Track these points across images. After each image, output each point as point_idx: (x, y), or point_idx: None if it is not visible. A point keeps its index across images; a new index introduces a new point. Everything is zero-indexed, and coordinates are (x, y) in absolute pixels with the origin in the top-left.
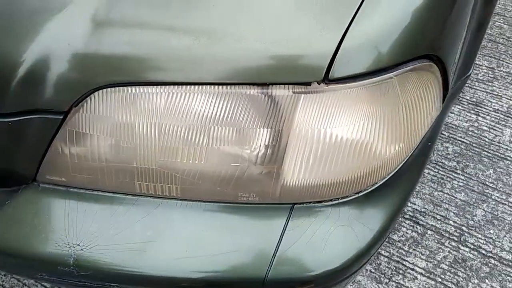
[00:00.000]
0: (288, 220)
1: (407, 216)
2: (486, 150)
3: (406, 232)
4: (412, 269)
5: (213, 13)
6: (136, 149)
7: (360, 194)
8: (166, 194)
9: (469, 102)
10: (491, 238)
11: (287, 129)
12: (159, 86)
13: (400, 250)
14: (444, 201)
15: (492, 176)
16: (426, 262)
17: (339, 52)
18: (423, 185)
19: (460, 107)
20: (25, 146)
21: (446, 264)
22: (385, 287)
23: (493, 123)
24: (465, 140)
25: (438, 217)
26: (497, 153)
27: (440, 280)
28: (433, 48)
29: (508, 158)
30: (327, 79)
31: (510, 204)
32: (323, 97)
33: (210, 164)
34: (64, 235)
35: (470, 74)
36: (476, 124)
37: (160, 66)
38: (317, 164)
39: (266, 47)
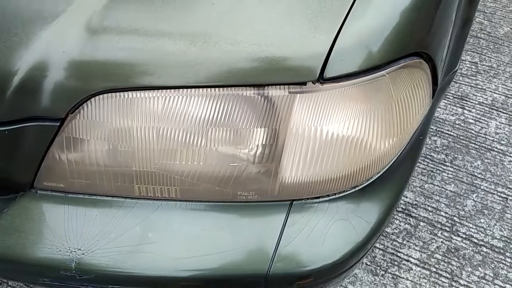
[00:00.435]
0: (288, 217)
1: (400, 209)
2: (473, 142)
3: (399, 225)
4: (407, 260)
5: (208, 17)
6: (134, 153)
7: (356, 189)
8: (165, 195)
9: (455, 96)
10: (482, 227)
11: (283, 128)
12: (155, 91)
13: (394, 243)
14: (435, 193)
15: (480, 167)
16: (420, 253)
17: (332, 52)
18: (413, 178)
19: (446, 101)
20: (22, 154)
21: (439, 254)
22: (381, 279)
23: (478, 116)
24: (452, 133)
25: (429, 208)
26: (484, 145)
27: (434, 270)
28: (422, 45)
29: (495, 149)
30: (321, 79)
31: (499, 193)
32: (318, 96)
33: (209, 164)
34: (64, 240)
35: (457, 69)
36: (462, 117)
37: (156, 70)
38: (314, 161)
39: (261, 49)
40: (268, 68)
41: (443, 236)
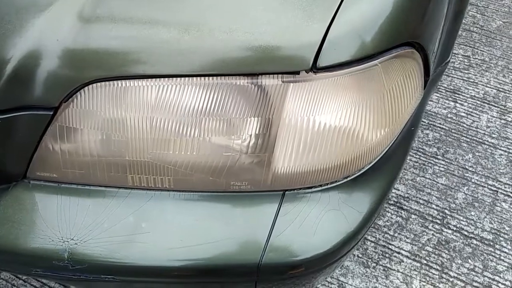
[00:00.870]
0: (280, 207)
1: (392, 202)
2: (465, 135)
3: (391, 217)
4: (398, 253)
5: (202, 6)
6: (127, 143)
7: (348, 179)
8: (158, 186)
9: (447, 89)
10: (473, 219)
11: (276, 118)
12: (148, 80)
13: (385, 235)
14: (426, 186)
15: (471, 160)
16: (411, 245)
17: (325, 41)
18: (405, 171)
19: (438, 94)
20: (14, 143)
21: (430, 246)
22: (372, 271)
23: (470, 109)
24: (444, 127)
25: (421, 201)
26: (475, 138)
27: (425, 262)
28: (414, 35)
29: (486, 142)
30: (315, 68)
31: (489, 186)
32: (311, 85)
33: (202, 154)
34: (57, 230)
35: (449, 61)
36: (454, 111)
37: (149, 59)
38: (306, 151)
39: (255, 37)
40: (261, 57)
41: (434, 229)
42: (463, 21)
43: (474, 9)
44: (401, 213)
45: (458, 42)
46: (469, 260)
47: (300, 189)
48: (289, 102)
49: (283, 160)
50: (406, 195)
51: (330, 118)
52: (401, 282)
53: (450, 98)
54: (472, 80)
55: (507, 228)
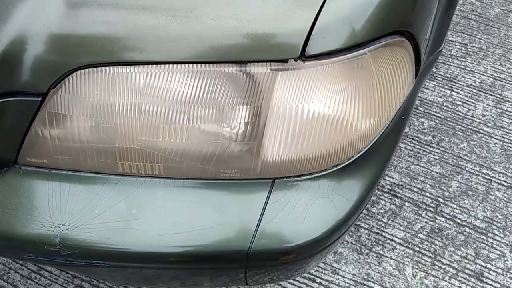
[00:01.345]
0: (270, 194)
1: (386, 190)
2: (460, 124)
3: (385, 205)
4: (391, 240)
5: None
6: (116, 129)
7: (338, 167)
8: (148, 172)
9: (443, 77)
10: (466, 208)
11: (265, 106)
12: (137, 66)
13: (379, 222)
14: (420, 174)
15: (466, 148)
16: (404, 233)
17: (314, 29)
18: (400, 159)
19: (434, 82)
20: (4, 129)
21: (423, 234)
22: (365, 257)
23: (466, 98)
24: (439, 115)
25: (415, 189)
26: (470, 127)
27: (418, 249)
28: (405, 24)
29: (481, 131)
30: (303, 56)
31: (483, 175)
32: (300, 73)
33: (192, 142)
34: (48, 216)
35: (442, 49)
36: (450, 99)
37: (137, 45)
38: (295, 139)
39: (243, 25)
40: (249, 44)
41: (427, 217)
42: (461, 8)
43: None
44: (395, 200)
45: (456, 29)
46: (462, 248)
47: (290, 177)
48: (278, 90)
49: (273, 148)
50: (400, 183)
51: (319, 107)
52: (393, 269)
53: (446, 86)
54: (469, 69)
55: (500, 217)
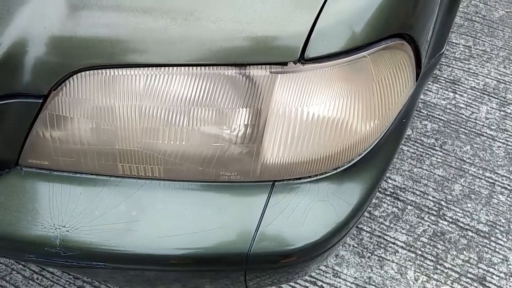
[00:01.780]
0: (269, 197)
1: (388, 192)
2: (463, 127)
3: (387, 208)
4: (393, 243)
5: None
6: (117, 131)
7: (338, 170)
8: (149, 174)
9: (447, 80)
10: (469, 211)
11: (265, 109)
12: (137, 68)
13: (381, 225)
14: (423, 177)
15: (469, 152)
16: (407, 236)
17: (313, 32)
18: (402, 162)
19: (438, 85)
20: (6, 131)
21: (425, 238)
22: (367, 261)
23: (470, 101)
24: (443, 118)
25: (417, 192)
26: (473, 130)
27: (420, 253)
28: (405, 27)
29: (485, 134)
30: (303, 59)
31: (486, 178)
32: (299, 76)
33: (192, 144)
34: (49, 217)
35: (443, 52)
36: (453, 102)
37: (138, 48)
38: (295, 142)
39: (243, 28)
40: (249, 47)
41: (429, 220)
42: (465, 10)
43: None
44: (397, 203)
45: (460, 32)
46: (464, 252)
47: (290, 179)
48: (278, 93)
49: (272, 150)
50: (403, 186)
51: (318, 109)
52: (395, 272)
53: (449, 89)
54: (472, 71)
55: (503, 221)
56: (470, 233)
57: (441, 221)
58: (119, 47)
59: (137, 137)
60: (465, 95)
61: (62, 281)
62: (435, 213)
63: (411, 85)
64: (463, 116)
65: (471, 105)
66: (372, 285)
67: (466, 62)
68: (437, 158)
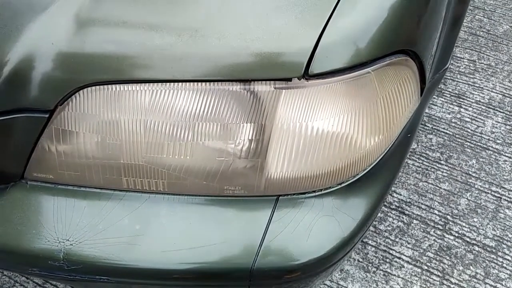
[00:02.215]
0: (273, 212)
1: (393, 207)
2: (469, 140)
3: (392, 222)
4: (399, 258)
5: (196, 11)
6: (122, 146)
7: (342, 185)
8: (153, 189)
9: (452, 94)
10: (475, 226)
11: (269, 124)
12: (143, 84)
13: (386, 240)
14: (428, 191)
15: (475, 166)
16: (412, 251)
17: (318, 49)
18: (408, 176)
19: (442, 99)
20: (12, 145)
21: (431, 252)
22: (372, 275)
23: (475, 115)
24: (448, 132)
25: (423, 206)
26: (479, 144)
27: (426, 267)
28: (409, 43)
29: (490, 148)
30: (307, 75)
31: (492, 192)
32: (304, 92)
33: (196, 159)
34: (53, 231)
35: (448, 67)
36: (458, 116)
37: (144, 64)
38: (299, 157)
39: (247, 44)
40: (254, 63)
41: (435, 235)
42: (469, 25)
43: (481, 13)
44: (402, 218)
45: (464, 46)
46: (471, 267)
47: (294, 194)
48: (282, 108)
49: (276, 165)
50: (408, 200)
51: (323, 125)
52: (401, 287)
53: (454, 103)
54: (477, 85)
55: (510, 236)
56: (477, 248)
57: (447, 236)
58: (125, 63)
59: (141, 151)
60: (470, 109)
61: None
62: (441, 227)
63: (415, 100)
64: (469, 130)
65: (477, 119)
66: None
67: (471, 76)
68: (442, 172)
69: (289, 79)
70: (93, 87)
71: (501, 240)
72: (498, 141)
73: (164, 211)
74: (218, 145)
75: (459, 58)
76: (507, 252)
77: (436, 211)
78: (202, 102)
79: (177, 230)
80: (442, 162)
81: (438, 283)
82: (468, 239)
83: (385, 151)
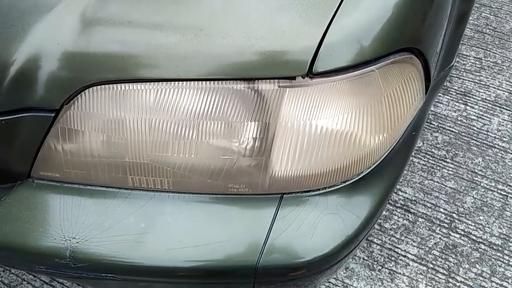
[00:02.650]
0: (278, 210)
1: (399, 205)
2: (475, 138)
3: (398, 220)
4: (404, 256)
5: (200, 10)
6: (127, 144)
7: (347, 183)
8: (158, 187)
9: (458, 92)
10: (481, 224)
11: (274, 122)
12: (148, 83)
13: (392, 238)
14: (434, 189)
15: (481, 164)
16: (418, 249)
17: (322, 47)
18: (413, 174)
19: (448, 97)
20: (18, 144)
21: (437, 250)
22: (378, 274)
23: (481, 112)
24: (454, 130)
25: (428, 205)
26: (485, 142)
27: (431, 266)
28: (413, 41)
29: (496, 146)
30: (311, 73)
31: (499, 191)
32: (308, 90)
33: (200, 157)
34: (60, 229)
35: (453, 65)
36: (464, 114)
37: (149, 63)
38: (304, 155)
39: (252, 43)
40: (258, 61)
41: (441, 233)
42: (476, 22)
43: (487, 11)
44: (408, 216)
45: (470, 44)
46: (477, 265)
47: (298, 192)
48: (286, 106)
49: (281, 163)
50: (414, 198)
51: (327, 123)
52: (406, 285)
53: (460, 101)
54: (483, 83)
55: None
56: (483, 246)
57: (453, 234)
58: (130, 62)
59: (146, 150)
60: (476, 106)
61: None
62: (446, 225)
63: (420, 98)
64: (475, 128)
65: (483, 116)
66: None
67: (477, 74)
68: (448, 170)
69: (293, 78)
70: (99, 86)
71: (507, 238)
72: (504, 139)
73: (169, 209)
74: (222, 143)
75: (465, 56)
76: None
77: (441, 209)
78: (206, 101)
79: (182, 228)
80: (448, 160)
81: (443, 281)
82: (474, 237)
83: (390, 149)
